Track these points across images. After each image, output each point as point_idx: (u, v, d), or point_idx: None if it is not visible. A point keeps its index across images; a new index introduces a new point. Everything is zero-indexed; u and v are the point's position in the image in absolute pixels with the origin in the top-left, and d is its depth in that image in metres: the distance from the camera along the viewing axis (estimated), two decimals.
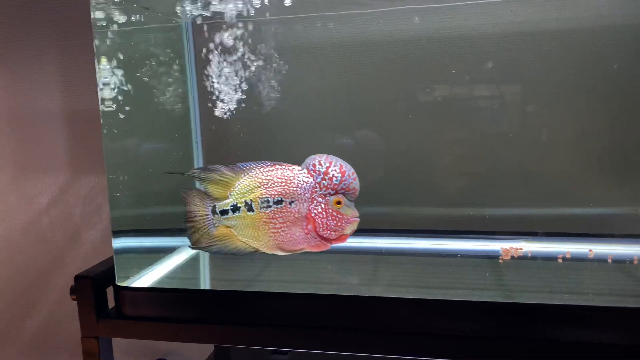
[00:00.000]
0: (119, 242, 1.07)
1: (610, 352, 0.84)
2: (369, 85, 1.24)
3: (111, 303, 1.06)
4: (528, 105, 1.20)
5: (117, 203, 1.08)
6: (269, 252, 0.95)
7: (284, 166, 0.92)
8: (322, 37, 1.25)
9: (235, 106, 1.24)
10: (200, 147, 1.33)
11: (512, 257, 1.12)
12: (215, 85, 1.23)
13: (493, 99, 1.21)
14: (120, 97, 1.08)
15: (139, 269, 1.12)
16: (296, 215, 0.90)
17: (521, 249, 1.09)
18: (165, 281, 1.11)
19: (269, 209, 0.91)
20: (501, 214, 1.20)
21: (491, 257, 1.13)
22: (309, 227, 0.90)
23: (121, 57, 1.09)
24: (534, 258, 1.10)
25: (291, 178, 0.91)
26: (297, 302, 0.97)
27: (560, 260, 1.07)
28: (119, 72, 1.10)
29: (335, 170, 0.89)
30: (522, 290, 0.99)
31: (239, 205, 0.92)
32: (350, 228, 0.90)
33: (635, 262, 1.06)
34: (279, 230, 0.91)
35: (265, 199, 0.91)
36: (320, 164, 0.90)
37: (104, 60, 1.07)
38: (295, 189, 0.91)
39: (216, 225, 0.94)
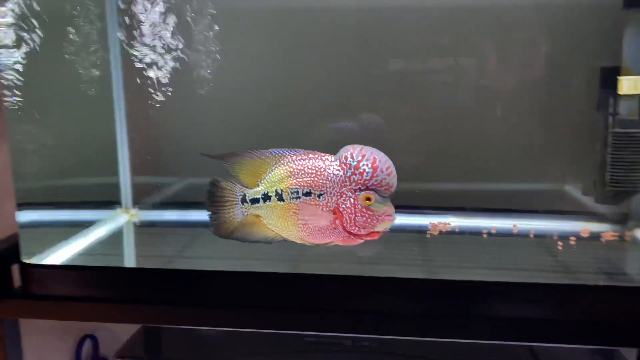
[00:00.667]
0: (25, 216, 0.99)
1: (530, 326, 0.87)
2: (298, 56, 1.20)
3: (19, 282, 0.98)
4: (456, 83, 1.19)
5: (23, 173, 1.00)
6: (298, 242, 0.90)
7: (317, 156, 0.86)
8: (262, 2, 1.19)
9: (164, 74, 1.17)
10: (124, 116, 1.24)
11: (440, 233, 1.14)
12: (141, 50, 1.15)
13: (422, 75, 1.19)
14: (22, 60, 0.99)
15: (50, 245, 1.04)
16: (324, 209, 0.85)
17: (449, 224, 1.10)
18: (78, 258, 1.04)
19: (298, 200, 0.86)
20: (430, 189, 1.21)
21: (420, 232, 1.13)
22: (337, 222, 0.85)
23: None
24: (462, 233, 1.11)
25: (322, 170, 0.86)
26: (222, 280, 0.93)
27: (485, 236, 1.09)
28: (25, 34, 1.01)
29: (367, 165, 0.82)
30: (447, 266, 1.00)
31: (269, 194, 0.87)
32: (382, 226, 0.84)
33: (555, 237, 1.09)
34: (307, 222, 0.87)
35: (295, 190, 0.86)
36: (352, 157, 0.84)
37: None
38: (324, 181, 0.86)
39: (245, 213, 0.89)
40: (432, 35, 1.16)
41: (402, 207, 1.19)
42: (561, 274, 0.95)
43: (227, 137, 1.25)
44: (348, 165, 0.83)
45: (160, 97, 1.21)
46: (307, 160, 0.86)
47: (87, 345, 1.54)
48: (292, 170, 0.87)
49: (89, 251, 1.08)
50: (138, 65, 1.17)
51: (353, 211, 0.84)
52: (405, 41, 1.16)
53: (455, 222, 1.13)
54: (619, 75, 0.97)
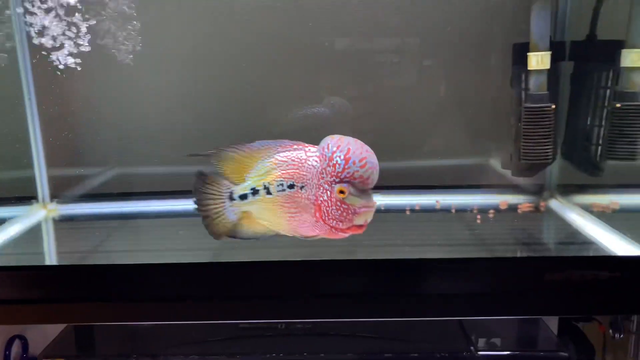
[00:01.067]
0: None
1: (456, 301, 0.89)
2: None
3: None
4: (386, 61, 1.20)
5: None
6: (289, 235, 0.88)
7: (300, 147, 0.84)
8: None
9: (75, 55, 1.11)
10: (34, 103, 1.18)
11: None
12: (50, 28, 1.09)
13: (353, 54, 1.19)
14: None
15: None
16: (306, 202, 0.83)
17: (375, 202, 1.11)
18: None
19: (283, 193, 0.84)
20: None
21: None
22: (317, 214, 0.83)
23: None
24: (387, 211, 1.13)
25: (303, 161, 0.83)
26: (150, 273, 0.90)
27: (408, 213, 1.11)
28: None
29: (340, 157, 0.79)
30: (373, 245, 1.01)
31: (257, 188, 0.84)
32: (361, 219, 0.81)
33: (475, 211, 1.12)
34: (294, 215, 0.85)
35: (280, 182, 0.84)
36: (328, 148, 0.80)
37: None
38: (304, 173, 0.84)
39: (236, 212, 0.87)
40: (349, 15, 1.16)
41: None
42: (481, 247, 0.97)
43: (151, 124, 1.21)
44: (324, 156, 0.81)
45: (76, 85, 1.16)
46: (291, 152, 0.83)
47: (17, 345, 1.48)
48: (277, 162, 0.84)
49: (3, 250, 1.03)
50: (50, 52, 1.11)
51: (329, 204, 0.81)
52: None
53: (381, 200, 1.15)
54: (529, 51, 1.00)
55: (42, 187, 1.20)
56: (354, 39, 1.19)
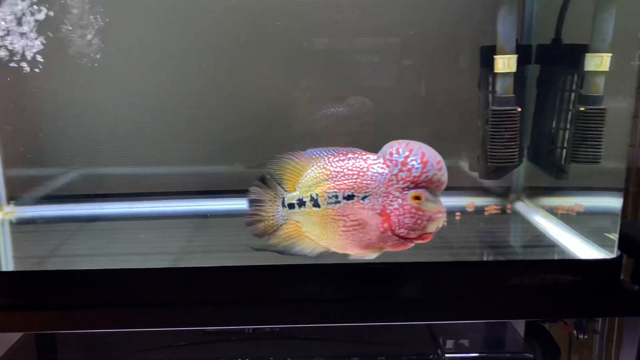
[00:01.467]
0: None
1: (424, 305, 0.89)
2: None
3: None
4: (355, 62, 1.19)
5: None
6: (340, 252, 0.83)
7: (357, 155, 0.78)
8: None
9: (38, 49, 1.08)
10: None
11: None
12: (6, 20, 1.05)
13: (326, 54, 1.18)
14: None
15: None
16: (370, 212, 0.78)
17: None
18: None
19: (338, 205, 0.78)
20: None
21: None
22: (385, 225, 0.77)
23: None
24: None
25: (364, 170, 0.78)
26: (110, 278, 0.87)
27: None
28: None
29: (416, 161, 0.74)
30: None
31: (304, 199, 0.80)
32: (434, 226, 0.76)
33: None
34: (350, 229, 0.79)
35: (334, 194, 0.78)
36: (398, 153, 0.75)
37: None
38: (368, 182, 0.78)
39: (285, 218, 0.83)
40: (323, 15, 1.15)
41: None
42: (446, 250, 0.97)
43: (115, 123, 1.18)
44: (394, 162, 0.76)
45: (37, 82, 1.12)
46: (345, 161, 0.79)
47: None
48: (329, 173, 0.79)
49: None
50: (6, 46, 1.07)
51: (402, 212, 0.76)
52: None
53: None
54: (496, 54, 1.01)
55: None
56: (327, 39, 1.18)
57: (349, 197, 0.78)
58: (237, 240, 1.04)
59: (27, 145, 1.16)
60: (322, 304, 0.88)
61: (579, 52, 0.97)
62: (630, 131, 1.02)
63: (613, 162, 0.94)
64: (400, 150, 0.75)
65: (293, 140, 1.21)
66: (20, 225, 1.13)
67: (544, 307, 0.86)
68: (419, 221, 0.75)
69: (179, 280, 0.88)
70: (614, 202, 0.90)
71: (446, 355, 1.10)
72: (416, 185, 0.75)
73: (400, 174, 0.75)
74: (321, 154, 0.80)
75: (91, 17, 1.09)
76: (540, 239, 1.01)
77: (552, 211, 1.09)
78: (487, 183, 1.18)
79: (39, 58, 1.08)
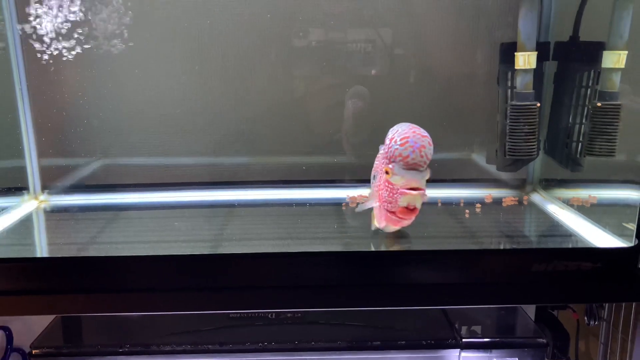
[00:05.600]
0: None
1: (442, 290, 0.92)
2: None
3: None
4: (366, 56, 1.21)
5: None
6: (380, 226, 0.92)
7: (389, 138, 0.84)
8: None
9: (69, 43, 1.10)
10: (25, 93, 1.16)
11: (358, 204, 1.17)
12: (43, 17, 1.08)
13: (328, 45, 1.21)
14: None
15: None
16: (375, 189, 0.86)
17: (366, 195, 1.14)
18: None
19: (371, 185, 0.89)
20: (348, 162, 1.24)
21: (338, 205, 1.17)
22: (378, 200, 0.86)
23: None
24: None
25: (380, 152, 0.86)
26: (141, 265, 0.91)
27: None
28: None
29: (393, 139, 0.81)
30: (362, 237, 1.03)
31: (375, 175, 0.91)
32: (403, 200, 0.81)
33: (462, 204, 1.16)
34: (377, 205, 0.88)
35: (373, 175, 0.90)
36: (391, 133, 0.83)
37: None
38: (377, 163, 0.87)
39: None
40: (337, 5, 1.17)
41: (320, 181, 1.24)
42: (468, 239, 1.01)
43: (143, 115, 1.21)
44: (387, 141, 0.83)
45: (67, 75, 1.15)
46: (384, 148, 0.85)
47: (0, 336, 1.46)
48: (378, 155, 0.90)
49: None
50: (40, 41, 1.10)
51: (381, 187, 0.83)
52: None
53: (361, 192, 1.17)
54: (516, 51, 1.04)
55: (34, 177, 1.19)
56: (340, 31, 1.21)
57: (374, 177, 0.89)
58: (265, 228, 1.07)
59: (60, 136, 1.19)
60: (344, 289, 0.92)
61: (596, 49, 1.01)
62: None
63: (633, 155, 0.98)
64: (394, 129, 0.83)
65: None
66: (53, 213, 1.16)
67: (567, 292, 0.90)
68: (391, 193, 0.81)
69: (208, 266, 0.91)
70: (633, 194, 0.93)
71: (463, 340, 1.15)
72: (389, 161, 0.81)
73: (387, 151, 0.82)
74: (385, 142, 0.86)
75: (117, 10, 1.12)
76: (557, 229, 1.05)
77: (567, 202, 1.13)
78: (504, 175, 1.22)
79: (72, 53, 1.12)
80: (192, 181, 1.23)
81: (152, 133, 1.21)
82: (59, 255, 0.95)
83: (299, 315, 1.22)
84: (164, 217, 1.12)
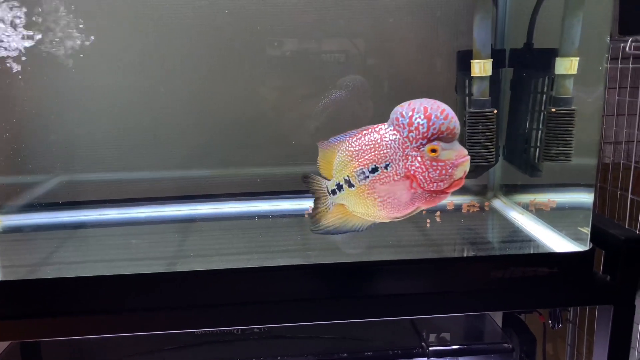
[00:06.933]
0: None
1: (408, 301, 0.92)
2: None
3: None
4: (331, 62, 1.22)
5: None
6: (386, 221, 0.86)
7: (370, 130, 0.81)
8: None
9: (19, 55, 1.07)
10: None
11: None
12: None
13: (300, 55, 1.20)
14: None
15: None
16: (396, 178, 0.80)
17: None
18: None
19: (367, 180, 0.82)
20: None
21: (298, 216, 1.16)
22: (414, 185, 0.80)
23: None
24: None
25: (379, 141, 0.80)
26: (94, 285, 0.88)
27: None
28: None
29: (420, 117, 0.76)
30: (325, 249, 1.03)
31: (340, 183, 0.84)
32: (460, 171, 0.78)
33: (424, 212, 1.15)
34: (385, 198, 0.82)
35: (361, 171, 0.82)
36: (402, 116, 0.78)
37: None
38: (385, 151, 0.80)
39: (332, 204, 0.88)
40: (300, 17, 1.17)
41: (281, 192, 1.23)
42: (431, 248, 1.01)
43: (96, 129, 1.18)
44: (402, 125, 0.79)
45: (19, 89, 1.11)
46: (362, 138, 0.82)
47: None
48: (351, 153, 0.83)
49: None
50: None
51: (424, 169, 0.79)
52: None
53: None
54: (472, 58, 1.05)
55: None
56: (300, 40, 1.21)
57: (374, 170, 0.82)
58: (225, 243, 1.06)
59: (11, 152, 1.15)
60: (308, 303, 0.91)
61: (550, 56, 1.02)
62: (600, 129, 1.07)
63: (584, 159, 0.99)
64: (404, 112, 0.78)
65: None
66: (5, 234, 1.12)
67: (523, 299, 0.91)
68: (444, 171, 0.78)
69: (171, 284, 0.89)
70: (586, 198, 0.95)
71: (430, 348, 1.15)
72: (428, 140, 0.77)
73: (410, 134, 0.78)
74: (341, 139, 0.84)
75: (72, 20, 1.09)
76: (517, 235, 1.06)
77: (527, 207, 1.14)
78: (466, 182, 1.23)
79: (22, 64, 1.08)
80: (151, 196, 1.20)
81: (110, 148, 1.19)
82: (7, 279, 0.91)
83: (265, 330, 1.20)
84: (121, 234, 1.10)
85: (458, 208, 1.18)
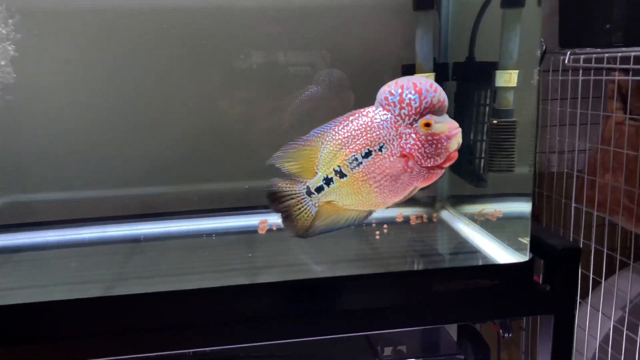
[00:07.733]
0: None
1: (362, 316, 0.91)
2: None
3: None
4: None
5: None
6: (383, 208, 0.85)
7: (357, 114, 0.79)
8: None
9: None
10: None
11: (270, 230, 1.15)
12: None
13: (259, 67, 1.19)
14: None
15: None
16: (391, 159, 0.79)
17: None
18: None
19: (361, 166, 0.80)
20: (258, 187, 1.22)
21: (250, 233, 1.14)
22: (410, 163, 0.79)
23: None
24: (280, 229, 1.13)
25: (369, 123, 0.79)
26: (25, 312, 0.83)
27: None
28: None
29: (411, 93, 0.76)
30: (270, 266, 1.01)
31: (329, 176, 0.82)
32: (454, 143, 0.77)
33: (374, 225, 1.16)
34: (382, 182, 0.80)
35: (353, 158, 0.80)
36: (392, 94, 0.77)
37: None
38: (378, 132, 0.79)
39: (316, 204, 0.85)
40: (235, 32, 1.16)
41: (228, 209, 1.21)
42: (380, 261, 1.01)
43: (44, 149, 1.14)
44: (392, 103, 0.77)
45: None
46: (350, 124, 0.80)
47: None
48: (340, 141, 0.80)
49: None
50: None
51: (420, 145, 0.78)
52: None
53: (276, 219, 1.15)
54: (415, 72, 1.06)
55: None
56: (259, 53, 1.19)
57: (367, 154, 0.80)
58: (170, 263, 1.03)
59: None
60: (259, 322, 0.89)
61: (490, 69, 1.04)
62: (536, 140, 1.09)
63: (522, 168, 1.01)
64: (393, 90, 0.77)
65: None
66: None
67: (468, 310, 0.91)
68: (439, 145, 0.77)
69: (112, 308, 0.86)
70: (525, 207, 0.97)
71: None
72: (421, 114, 0.77)
73: (402, 111, 0.77)
74: (325, 130, 0.82)
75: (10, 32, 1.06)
76: (463, 246, 1.06)
77: (473, 218, 1.15)
78: (415, 194, 1.23)
79: None
80: (95, 216, 1.16)
81: (53, 168, 1.15)
82: None
83: (217, 351, 1.17)
84: (61, 257, 1.06)
85: (407, 220, 1.18)
